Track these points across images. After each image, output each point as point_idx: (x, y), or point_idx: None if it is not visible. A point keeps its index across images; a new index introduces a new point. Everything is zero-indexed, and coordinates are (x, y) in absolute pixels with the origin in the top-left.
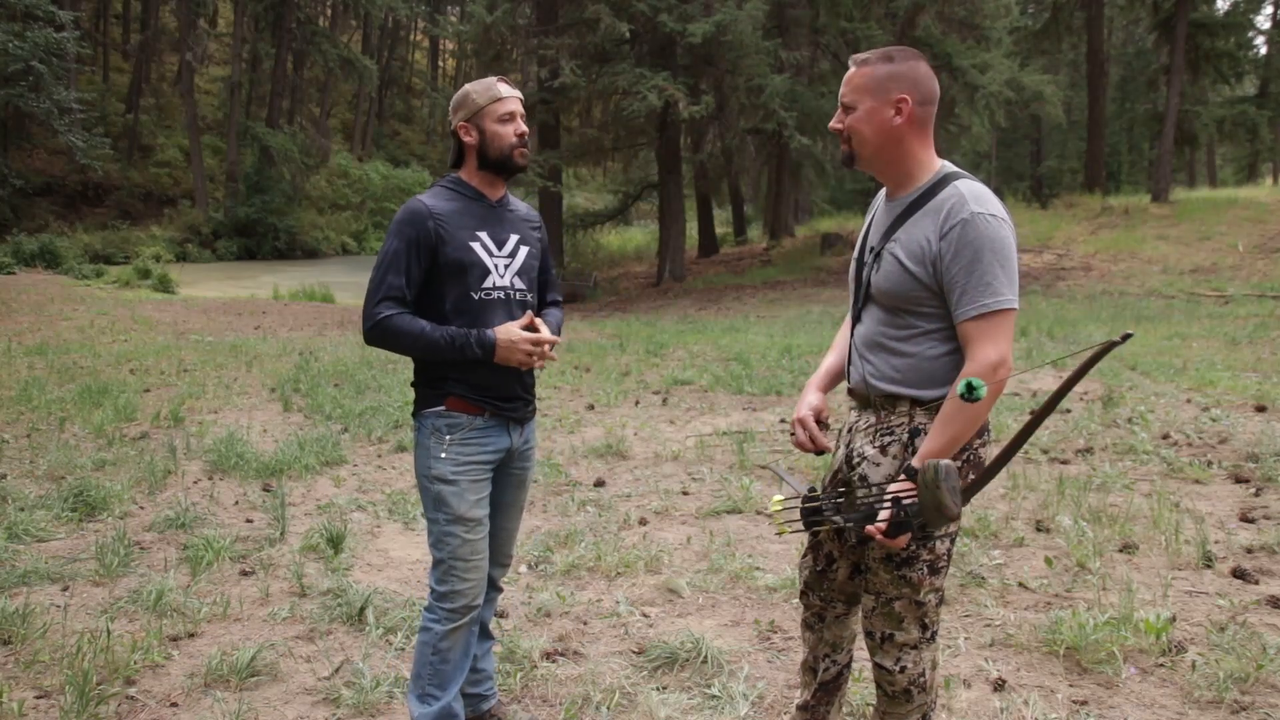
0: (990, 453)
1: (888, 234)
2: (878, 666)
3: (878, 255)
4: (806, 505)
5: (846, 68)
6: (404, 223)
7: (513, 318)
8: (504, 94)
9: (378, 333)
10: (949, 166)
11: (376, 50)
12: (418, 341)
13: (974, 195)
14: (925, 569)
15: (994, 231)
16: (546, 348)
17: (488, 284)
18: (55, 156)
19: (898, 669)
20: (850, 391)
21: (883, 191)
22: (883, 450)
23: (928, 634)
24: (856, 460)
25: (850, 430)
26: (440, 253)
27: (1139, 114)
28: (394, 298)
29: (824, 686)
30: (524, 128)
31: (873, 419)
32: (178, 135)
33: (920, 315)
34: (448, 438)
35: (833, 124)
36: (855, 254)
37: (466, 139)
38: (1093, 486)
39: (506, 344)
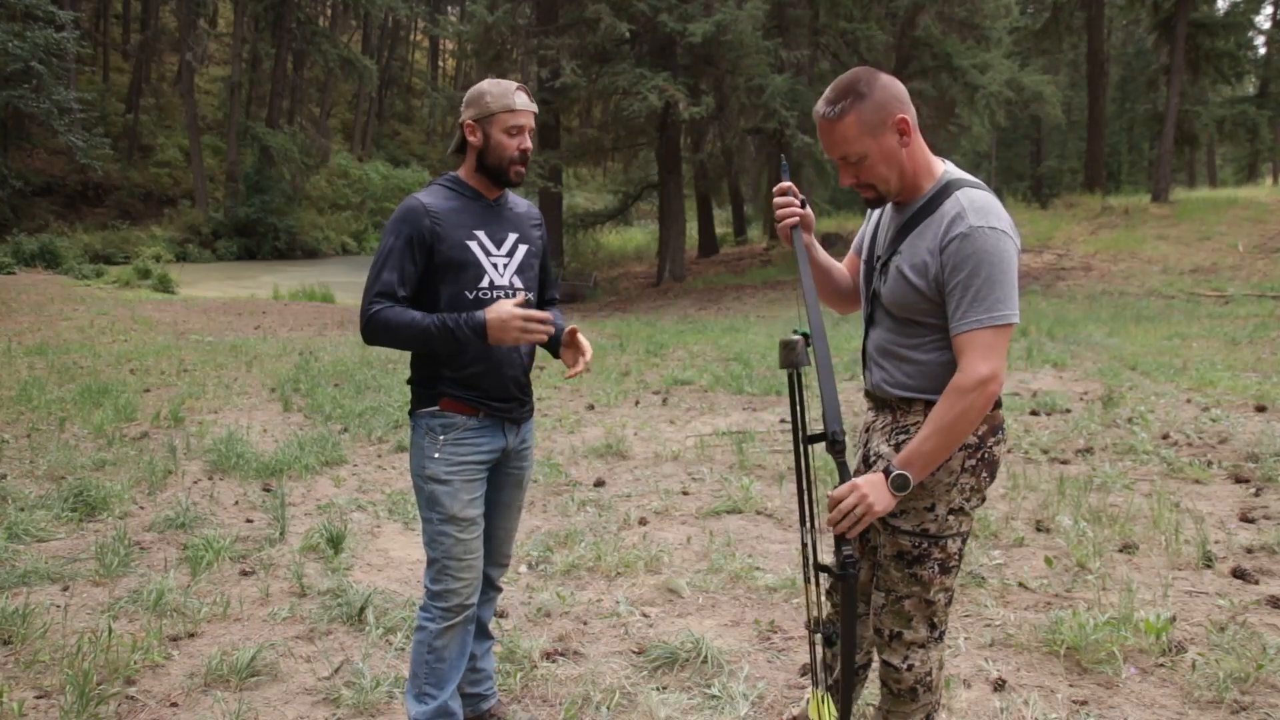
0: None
1: (894, 244)
2: (885, 664)
3: (884, 266)
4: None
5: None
6: (400, 220)
7: None
8: (518, 106)
9: (372, 328)
10: (951, 171)
11: (376, 50)
12: (409, 331)
13: (974, 207)
14: (936, 567)
15: (993, 245)
16: (538, 325)
17: (484, 284)
18: (55, 156)
19: (905, 667)
20: (867, 394)
21: None
22: (897, 449)
23: (935, 633)
24: (873, 459)
25: (868, 430)
26: (436, 251)
27: (1139, 114)
28: (386, 294)
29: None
30: (529, 144)
31: (889, 419)
32: (178, 135)
33: (928, 326)
34: (441, 438)
35: (846, 182)
36: (864, 256)
37: (471, 138)
38: (1093, 486)
39: (498, 322)
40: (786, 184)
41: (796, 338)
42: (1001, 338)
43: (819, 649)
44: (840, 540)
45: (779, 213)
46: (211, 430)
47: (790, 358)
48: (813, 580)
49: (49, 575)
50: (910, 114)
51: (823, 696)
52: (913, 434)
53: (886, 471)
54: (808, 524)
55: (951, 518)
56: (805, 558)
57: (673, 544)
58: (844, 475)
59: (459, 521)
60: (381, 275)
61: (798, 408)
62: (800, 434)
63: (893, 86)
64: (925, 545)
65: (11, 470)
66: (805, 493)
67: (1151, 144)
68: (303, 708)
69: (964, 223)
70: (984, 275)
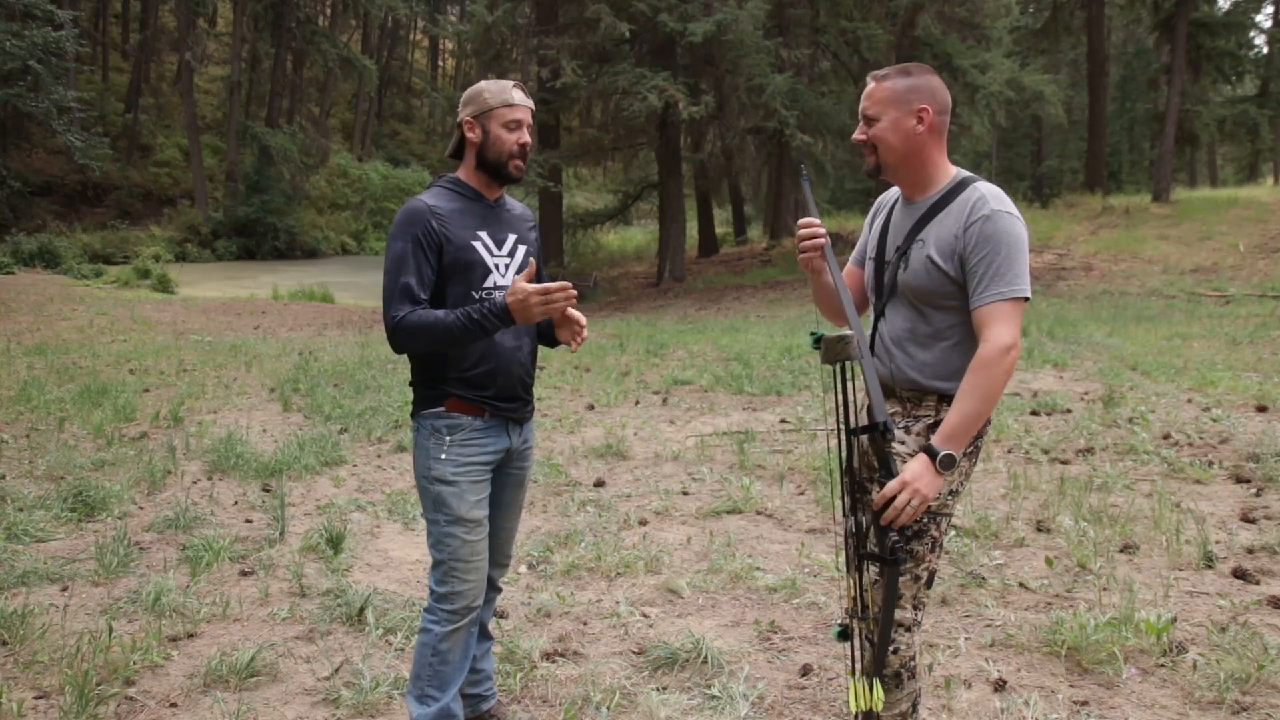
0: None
1: (912, 234)
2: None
3: (904, 254)
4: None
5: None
6: (406, 223)
7: None
8: (516, 100)
9: (400, 336)
10: (964, 171)
11: (376, 50)
12: (436, 330)
13: (994, 195)
14: (930, 543)
15: (1012, 227)
16: (560, 294)
17: (489, 284)
18: (54, 156)
19: (890, 650)
20: None
21: (889, 195)
22: (906, 430)
23: (917, 616)
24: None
25: None
26: (444, 251)
27: (1139, 114)
28: (409, 300)
29: None
30: (528, 139)
31: (897, 410)
32: (177, 135)
33: (948, 310)
34: (448, 439)
35: (856, 136)
36: (873, 255)
37: (470, 135)
38: (1093, 487)
39: (518, 305)
40: (811, 218)
41: (851, 332)
42: (1019, 310)
43: (855, 637)
44: (885, 528)
45: (805, 244)
46: (211, 430)
47: (846, 351)
48: (856, 569)
49: (48, 575)
50: (934, 109)
51: (869, 680)
52: (924, 422)
53: (930, 453)
54: (848, 514)
55: (950, 498)
56: (848, 546)
57: (673, 544)
58: (891, 468)
59: (466, 523)
60: (400, 281)
61: (842, 401)
62: (844, 426)
63: (933, 85)
64: (924, 520)
65: (11, 470)
66: (845, 484)
67: (1152, 144)
68: (302, 708)
69: (987, 206)
70: (1004, 254)
